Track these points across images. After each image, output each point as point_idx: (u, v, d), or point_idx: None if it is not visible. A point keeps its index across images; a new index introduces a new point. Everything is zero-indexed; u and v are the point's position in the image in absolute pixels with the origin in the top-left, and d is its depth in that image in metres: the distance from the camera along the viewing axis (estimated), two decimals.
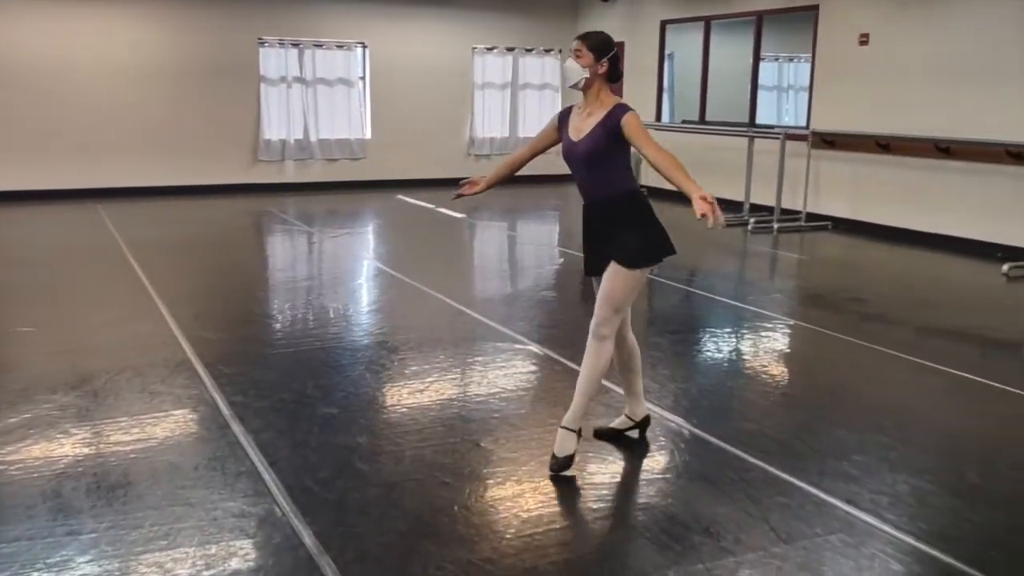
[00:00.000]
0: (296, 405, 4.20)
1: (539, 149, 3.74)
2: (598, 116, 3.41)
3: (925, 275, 7.71)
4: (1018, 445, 3.98)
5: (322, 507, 3.17)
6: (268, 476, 3.40)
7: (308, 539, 2.94)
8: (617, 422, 3.87)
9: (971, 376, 4.77)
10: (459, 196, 3.78)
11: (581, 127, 3.46)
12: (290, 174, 12.52)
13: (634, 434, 3.83)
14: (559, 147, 3.62)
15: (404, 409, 4.23)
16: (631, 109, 3.40)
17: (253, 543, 2.94)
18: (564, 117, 3.59)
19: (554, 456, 3.47)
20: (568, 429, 3.49)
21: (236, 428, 3.88)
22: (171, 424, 3.97)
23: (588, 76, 3.41)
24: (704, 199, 3.02)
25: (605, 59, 3.42)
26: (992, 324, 6.11)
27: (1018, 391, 4.59)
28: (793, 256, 8.66)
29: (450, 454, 3.65)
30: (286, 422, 3.99)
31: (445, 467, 3.52)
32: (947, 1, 8.50)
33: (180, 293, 6.47)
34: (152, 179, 11.69)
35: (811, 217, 9.81)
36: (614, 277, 3.44)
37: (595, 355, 3.49)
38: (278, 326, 5.83)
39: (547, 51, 13.80)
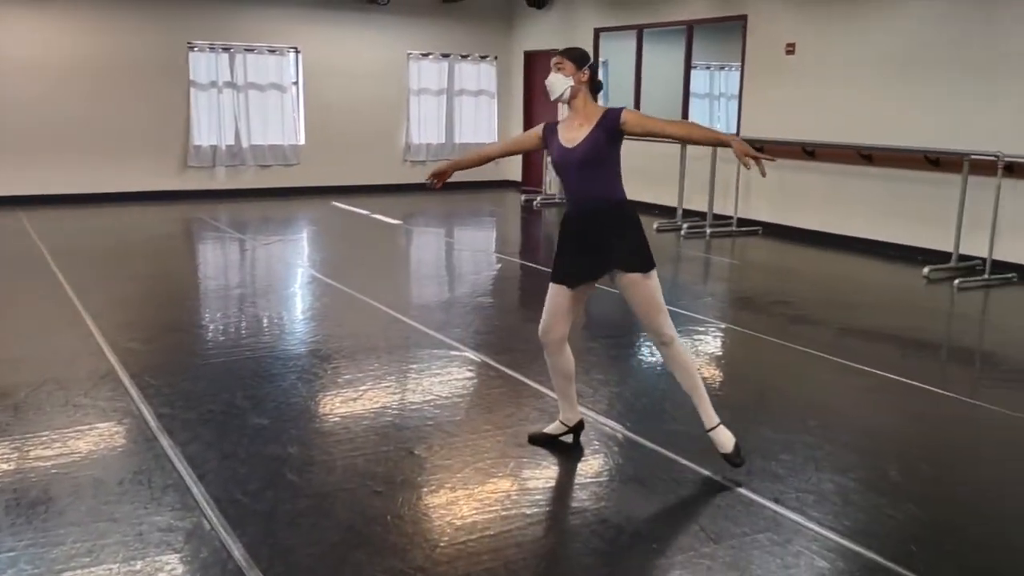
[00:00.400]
0: (225, 416, 4.12)
1: (513, 151, 3.86)
2: (592, 122, 3.46)
3: (849, 278, 7.93)
4: (936, 442, 4.12)
5: (251, 519, 3.12)
6: (196, 489, 3.33)
7: (237, 552, 2.89)
8: (552, 427, 3.89)
9: (892, 376, 4.92)
10: (435, 185, 3.83)
11: (575, 136, 3.48)
12: (221, 180, 12.30)
13: (568, 439, 3.85)
14: (552, 155, 3.60)
15: (336, 418, 4.18)
16: (621, 108, 3.47)
17: (180, 558, 2.87)
18: (550, 129, 3.59)
19: (729, 453, 3.52)
20: (716, 427, 3.56)
21: (163, 441, 3.79)
22: (95, 438, 3.85)
23: (573, 85, 3.47)
24: (745, 150, 3.27)
25: (586, 67, 3.50)
26: (913, 325, 6.33)
27: (938, 390, 4.75)
28: (724, 260, 8.83)
29: (383, 463, 3.62)
30: (215, 434, 3.91)
31: (378, 476, 3.49)
32: (868, 13, 8.78)
33: (106, 303, 6.30)
34: (78, 186, 11.36)
35: (742, 222, 10.02)
36: (642, 287, 3.48)
37: (679, 359, 3.58)
38: (208, 335, 5.71)
39: (483, 58, 13.83)
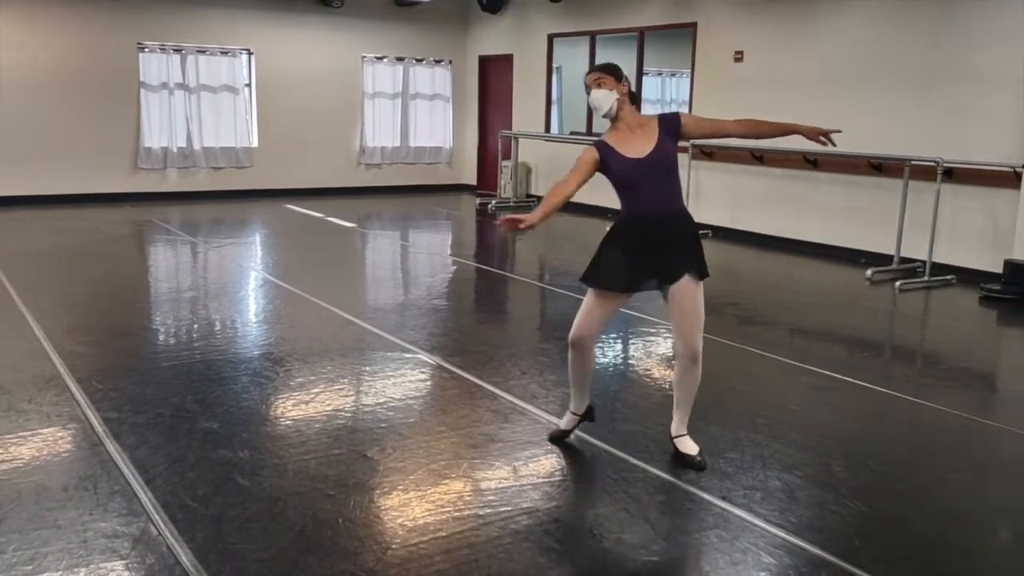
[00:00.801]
0: (174, 420, 4.07)
1: (584, 181, 3.51)
2: (649, 128, 3.49)
3: (797, 280, 8.09)
4: (880, 439, 4.22)
5: (200, 525, 3.08)
6: (144, 494, 3.29)
7: (185, 558, 2.86)
8: (565, 422, 3.93)
9: (838, 375, 5.04)
10: (510, 229, 3.33)
11: (640, 146, 3.46)
12: (173, 183, 12.12)
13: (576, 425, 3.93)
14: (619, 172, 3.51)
15: (288, 421, 4.15)
16: (679, 113, 3.54)
17: (126, 564, 2.83)
18: (603, 147, 3.50)
19: (692, 455, 3.66)
20: (685, 435, 3.73)
21: (110, 446, 3.73)
22: (39, 443, 3.78)
23: (618, 98, 3.50)
24: (817, 130, 3.53)
25: (624, 80, 3.54)
26: (857, 325, 6.48)
27: (881, 389, 4.88)
28: None
29: (335, 466, 3.61)
30: (163, 438, 3.86)
31: (329, 479, 3.48)
32: (814, 21, 8.98)
33: (52, 306, 6.17)
34: (25, 188, 11.12)
35: None
36: (695, 295, 3.54)
37: (695, 373, 3.68)
38: (158, 339, 5.63)
39: (437, 62, 13.83)
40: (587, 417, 3.94)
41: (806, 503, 3.40)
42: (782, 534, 3.13)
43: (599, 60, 12.00)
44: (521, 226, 3.26)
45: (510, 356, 5.24)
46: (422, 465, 3.63)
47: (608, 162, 3.50)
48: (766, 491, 3.47)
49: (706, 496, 3.40)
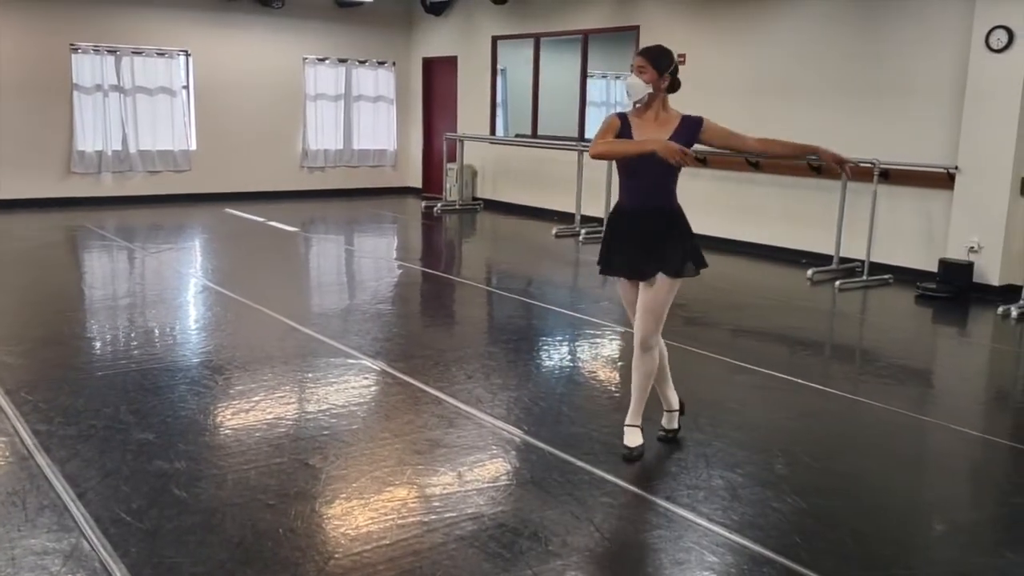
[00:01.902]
0: (108, 432, 3.95)
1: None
2: (672, 124, 3.54)
3: (740, 281, 8.20)
4: (819, 436, 4.30)
5: (135, 539, 2.99)
6: (75, 509, 3.18)
7: (119, 574, 2.77)
8: (665, 420, 4.00)
9: (779, 374, 5.11)
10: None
11: (656, 135, 3.49)
12: (108, 187, 11.81)
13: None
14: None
15: (228, 431, 4.06)
16: (703, 117, 3.59)
17: None
18: (624, 120, 3.58)
19: (629, 448, 3.72)
20: (633, 426, 3.78)
21: (40, 459, 3.61)
22: None
23: (652, 91, 3.51)
24: (835, 157, 3.52)
25: (667, 73, 3.53)
26: (798, 325, 6.59)
27: (820, 386, 4.96)
28: None
29: (276, 475, 3.54)
30: (96, 450, 3.74)
31: (270, 489, 3.41)
32: (754, 25, 9.13)
33: None
34: None
35: None
36: (659, 289, 3.62)
37: (647, 365, 3.72)
38: (91, 348, 5.46)
39: (381, 63, 13.72)
40: (681, 409, 4.05)
41: (748, 501, 3.44)
42: (724, 532, 3.16)
43: (543, 62, 12.11)
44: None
45: (456, 360, 5.21)
46: (365, 472, 3.58)
47: (622, 136, 3.57)
48: (709, 490, 3.50)
49: (650, 497, 3.41)
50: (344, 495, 3.39)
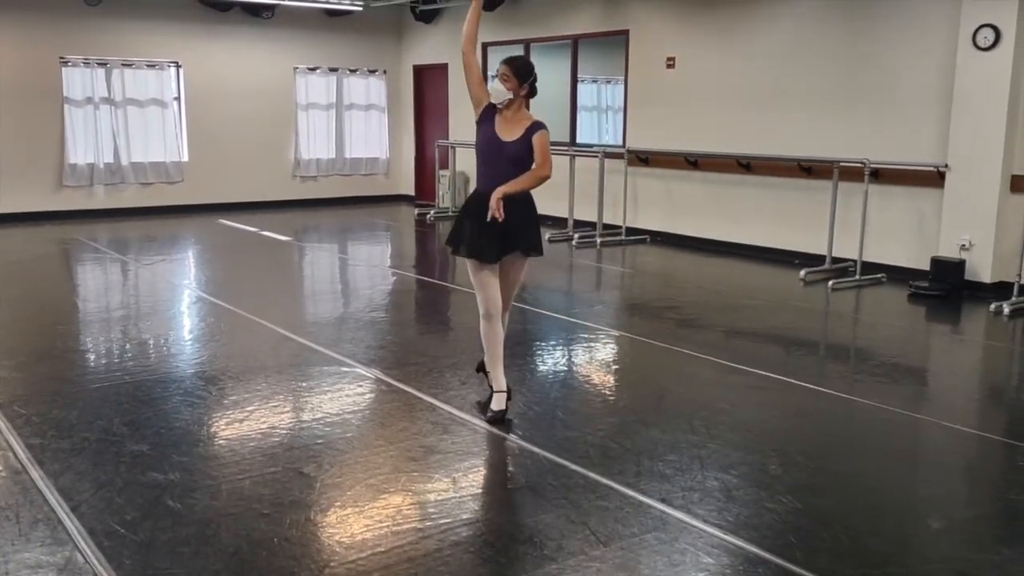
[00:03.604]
0: (101, 444, 3.94)
1: (474, 71, 4.21)
2: (523, 125, 4.11)
3: (732, 282, 8.22)
4: (813, 436, 4.30)
5: (129, 550, 2.98)
6: (69, 522, 3.17)
7: None
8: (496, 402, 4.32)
9: (774, 375, 5.12)
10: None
11: (509, 132, 4.12)
12: (100, 200, 11.79)
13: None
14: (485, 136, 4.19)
15: (222, 441, 4.05)
16: (545, 128, 4.13)
17: None
18: (490, 110, 4.16)
19: (493, 411, 4.22)
20: (500, 391, 4.28)
21: (33, 472, 3.59)
22: None
23: (512, 97, 4.10)
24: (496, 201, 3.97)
25: (527, 83, 4.13)
26: (792, 325, 6.61)
27: (815, 386, 4.97)
28: (615, 269, 9.02)
29: (270, 484, 3.53)
30: (89, 463, 3.73)
31: (265, 498, 3.40)
32: (743, 28, 9.15)
33: None
34: None
35: (631, 231, 10.26)
36: (519, 266, 4.28)
37: (492, 331, 4.26)
38: (84, 360, 5.45)
39: (372, 72, 13.74)
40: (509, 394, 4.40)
41: (743, 502, 3.44)
42: (720, 534, 3.16)
43: (536, 67, 12.08)
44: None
45: (450, 367, 5.20)
46: (360, 480, 3.57)
47: (484, 122, 4.17)
48: (704, 491, 3.50)
49: (645, 499, 3.41)
50: (339, 503, 3.38)
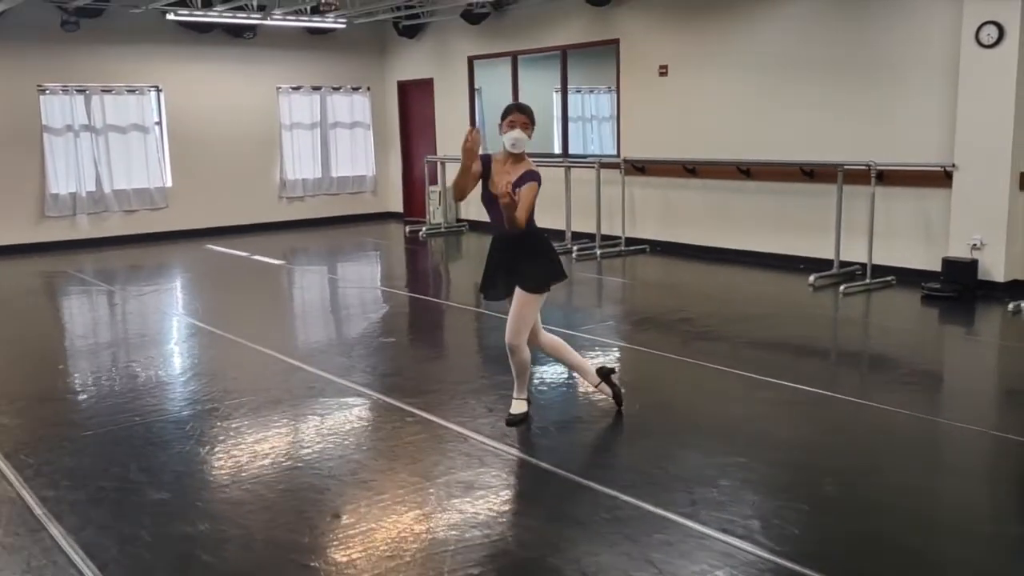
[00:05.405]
0: (120, 493, 3.73)
1: (470, 170, 4.15)
2: (519, 170, 4.14)
3: (740, 291, 8.10)
4: (858, 451, 4.15)
5: None
6: None
7: None
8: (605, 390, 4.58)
9: (804, 387, 4.98)
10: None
11: (508, 179, 4.09)
12: (84, 229, 11.51)
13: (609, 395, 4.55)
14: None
15: (247, 485, 3.83)
16: (536, 179, 4.14)
17: None
18: (487, 163, 4.22)
19: (512, 415, 4.41)
20: (519, 399, 4.48)
21: (52, 529, 3.37)
22: None
23: (528, 140, 4.22)
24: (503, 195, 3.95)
25: (532, 128, 4.24)
26: (808, 333, 6.49)
27: (850, 398, 4.84)
28: (617, 280, 8.88)
29: (307, 531, 3.33)
30: (110, 515, 3.51)
31: (303, 548, 3.20)
32: (737, 32, 9.06)
33: None
34: None
35: (630, 241, 10.13)
36: (517, 301, 4.23)
37: (514, 363, 4.37)
38: (89, 402, 5.20)
39: (355, 89, 13.56)
40: (607, 378, 4.61)
41: (805, 526, 3.29)
42: (788, 563, 3.00)
43: (522, 80, 11.98)
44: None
45: (472, 392, 5.02)
46: (401, 524, 3.38)
47: (486, 178, 4.22)
48: (763, 519, 3.34)
49: (705, 530, 3.25)
50: (384, 549, 3.19)
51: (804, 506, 3.46)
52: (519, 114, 4.17)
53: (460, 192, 4.16)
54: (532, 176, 4.14)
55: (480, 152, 4.17)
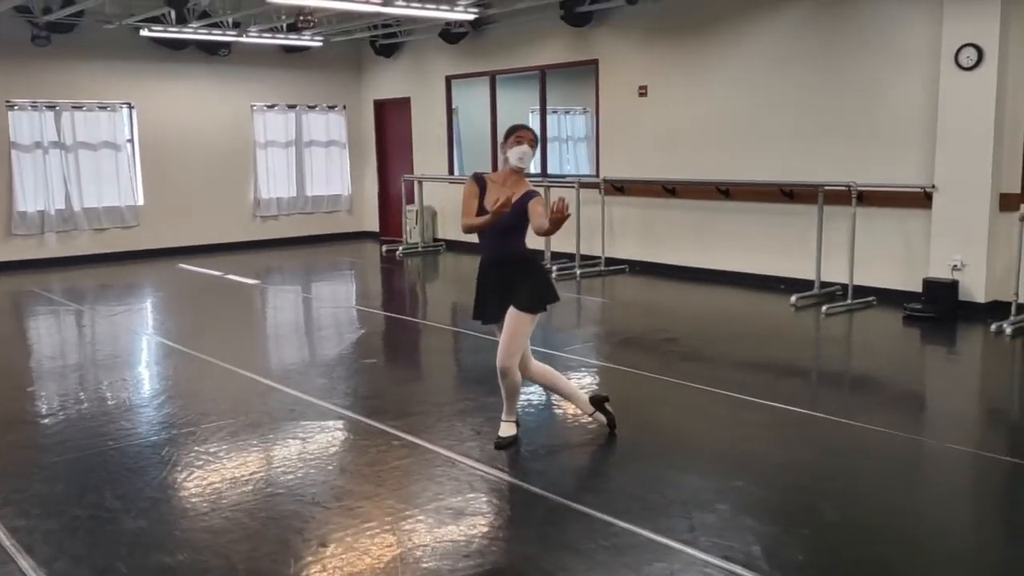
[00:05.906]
0: (94, 522, 3.56)
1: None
2: (518, 193, 4.10)
3: (722, 311, 8.07)
4: (852, 473, 4.09)
5: None
6: None
7: None
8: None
9: (790, 407, 4.93)
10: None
11: (507, 194, 4.03)
12: (52, 248, 11.25)
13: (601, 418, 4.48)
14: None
15: (228, 513, 3.67)
16: (539, 194, 4.18)
17: None
18: (481, 183, 4.24)
19: (501, 438, 4.34)
20: (508, 421, 4.40)
21: (23, 561, 3.21)
22: None
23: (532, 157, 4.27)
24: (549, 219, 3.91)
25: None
26: (793, 354, 6.46)
27: (835, 418, 4.78)
28: (598, 300, 8.82)
29: (291, 561, 3.19)
30: (84, 545, 3.35)
31: None
32: (716, 52, 9.09)
33: None
34: None
35: (609, 261, 10.08)
36: (510, 323, 4.17)
37: (505, 385, 4.30)
38: (59, 427, 4.99)
39: (331, 107, 13.46)
40: (600, 405, 4.56)
41: (809, 551, 3.22)
42: None
43: (500, 99, 11.95)
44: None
45: (458, 413, 4.91)
46: (392, 551, 3.26)
47: (483, 200, 4.20)
48: (766, 546, 3.25)
49: (708, 558, 3.15)
50: None
51: (804, 531, 3.39)
52: (526, 131, 4.27)
53: (470, 232, 4.25)
54: (535, 193, 4.18)
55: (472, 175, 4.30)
